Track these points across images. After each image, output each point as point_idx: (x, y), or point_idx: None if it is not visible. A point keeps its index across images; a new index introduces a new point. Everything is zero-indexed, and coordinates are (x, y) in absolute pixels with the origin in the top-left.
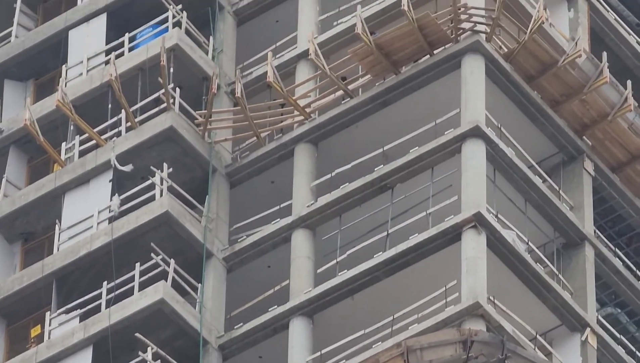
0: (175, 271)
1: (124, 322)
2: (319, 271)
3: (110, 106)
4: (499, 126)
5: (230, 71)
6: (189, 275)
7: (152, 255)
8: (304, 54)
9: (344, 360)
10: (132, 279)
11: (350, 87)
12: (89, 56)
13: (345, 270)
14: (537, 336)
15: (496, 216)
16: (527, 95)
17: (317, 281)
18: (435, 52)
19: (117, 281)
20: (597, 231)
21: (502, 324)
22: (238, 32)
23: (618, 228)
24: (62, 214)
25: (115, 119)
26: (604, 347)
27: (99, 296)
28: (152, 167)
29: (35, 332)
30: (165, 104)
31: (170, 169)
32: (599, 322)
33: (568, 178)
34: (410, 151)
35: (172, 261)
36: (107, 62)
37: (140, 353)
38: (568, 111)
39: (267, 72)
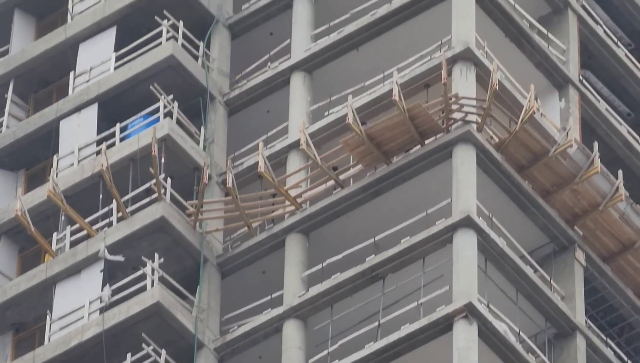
0: (167, 361)
1: None
2: (310, 361)
3: (101, 196)
4: (490, 216)
5: (222, 161)
6: None
7: (144, 345)
8: (295, 144)
9: None
10: None
11: (341, 177)
12: (80, 146)
13: (337, 361)
14: None
15: (487, 307)
16: (519, 185)
17: None
18: (426, 142)
19: None
20: (588, 321)
21: None
22: (229, 122)
23: (609, 318)
24: (53, 304)
25: (106, 209)
26: None
27: None
28: (143, 257)
29: None
30: (156, 195)
31: (162, 260)
32: None
33: (559, 268)
34: (402, 241)
35: (163, 351)
36: (98, 153)
37: None
38: (559, 201)
39: (258, 162)
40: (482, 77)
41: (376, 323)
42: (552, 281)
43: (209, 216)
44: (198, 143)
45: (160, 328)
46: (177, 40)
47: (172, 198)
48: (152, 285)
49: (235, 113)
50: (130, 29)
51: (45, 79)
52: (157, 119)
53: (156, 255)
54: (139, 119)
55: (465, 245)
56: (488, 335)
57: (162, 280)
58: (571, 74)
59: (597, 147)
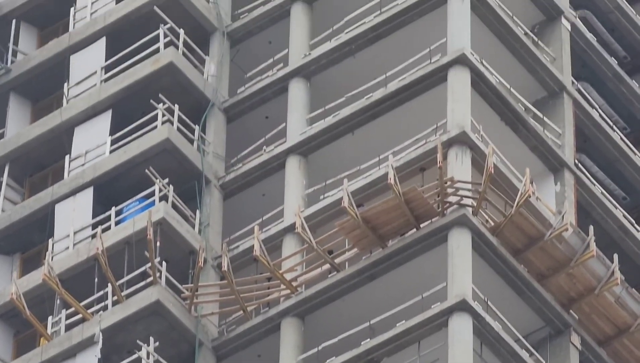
0: None
1: None
2: None
3: (96, 279)
4: (486, 299)
5: (217, 245)
6: None
7: None
8: (291, 228)
9: None
10: None
11: (337, 260)
12: (76, 229)
13: None
14: None
15: None
16: (514, 269)
17: None
18: (421, 225)
19: None
20: None
21: None
22: (224, 205)
23: None
24: None
25: (101, 293)
26: None
27: None
28: (138, 341)
29: None
30: (151, 278)
31: (157, 344)
32: None
33: (555, 351)
34: (397, 324)
35: None
36: (93, 236)
37: None
38: (555, 285)
39: (253, 246)
40: (478, 160)
41: None
42: None
43: (204, 299)
44: (193, 227)
45: None
46: (172, 123)
47: (168, 281)
48: None
49: (230, 197)
50: (126, 113)
51: (41, 163)
52: (153, 203)
53: (151, 339)
54: (135, 202)
55: (460, 329)
56: None
57: None
58: (567, 157)
59: (592, 231)
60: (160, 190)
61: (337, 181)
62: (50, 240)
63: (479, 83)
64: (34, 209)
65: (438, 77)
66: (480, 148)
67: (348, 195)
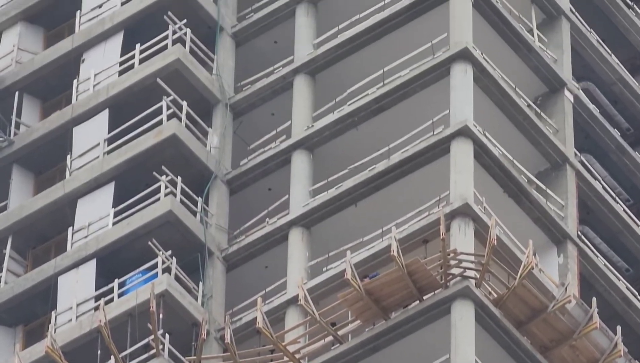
0: None
1: None
2: None
3: (99, 352)
4: None
5: (220, 317)
6: None
7: None
8: (294, 300)
9: None
10: None
11: (340, 332)
12: (79, 301)
13: None
14: None
15: None
16: (517, 341)
17: None
18: (424, 297)
19: None
20: None
21: None
22: (227, 277)
23: None
24: None
25: None
26: None
27: None
28: None
29: None
30: (154, 350)
31: None
32: None
33: None
34: None
35: None
36: (96, 308)
37: None
38: (558, 357)
39: (256, 318)
40: (481, 232)
41: None
42: None
43: None
44: (196, 299)
45: None
46: (175, 196)
47: (171, 353)
48: None
49: (233, 269)
50: (129, 185)
51: (44, 235)
52: (156, 275)
53: None
54: (137, 274)
55: None
56: None
57: None
58: (569, 229)
59: (595, 303)
60: (163, 262)
61: (340, 253)
62: (53, 312)
63: (482, 155)
64: (37, 281)
65: (441, 149)
66: (483, 220)
67: (351, 267)
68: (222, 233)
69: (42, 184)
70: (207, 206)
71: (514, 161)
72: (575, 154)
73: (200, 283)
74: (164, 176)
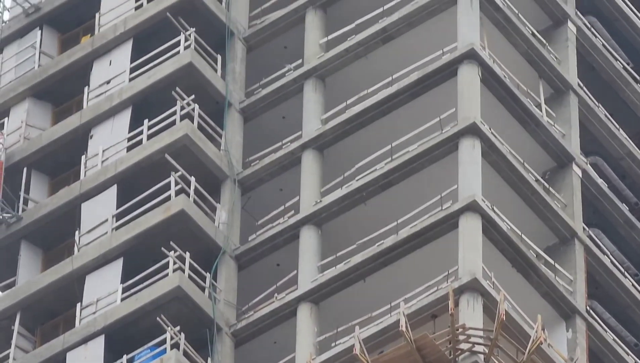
0: None
1: None
2: None
3: None
4: None
5: None
6: None
7: None
8: None
9: None
10: None
11: None
12: None
13: None
14: None
15: None
16: None
17: None
18: None
19: None
20: None
21: None
22: (236, 353)
23: None
24: None
25: None
26: None
27: None
28: None
29: None
30: None
31: None
32: None
33: None
34: None
35: None
36: None
37: None
38: None
39: None
40: (489, 307)
41: None
42: None
43: None
44: None
45: None
46: (183, 271)
47: None
48: None
49: (242, 344)
50: (137, 261)
51: (52, 311)
52: (164, 351)
53: None
54: (146, 350)
55: None
56: None
57: None
58: (578, 304)
59: None
60: (172, 338)
61: (349, 328)
62: None
63: (490, 230)
64: (45, 357)
65: (449, 224)
66: (492, 295)
67: (360, 342)
68: (231, 308)
69: (50, 260)
70: (216, 281)
71: (523, 235)
72: (584, 228)
73: (209, 359)
74: (173, 251)
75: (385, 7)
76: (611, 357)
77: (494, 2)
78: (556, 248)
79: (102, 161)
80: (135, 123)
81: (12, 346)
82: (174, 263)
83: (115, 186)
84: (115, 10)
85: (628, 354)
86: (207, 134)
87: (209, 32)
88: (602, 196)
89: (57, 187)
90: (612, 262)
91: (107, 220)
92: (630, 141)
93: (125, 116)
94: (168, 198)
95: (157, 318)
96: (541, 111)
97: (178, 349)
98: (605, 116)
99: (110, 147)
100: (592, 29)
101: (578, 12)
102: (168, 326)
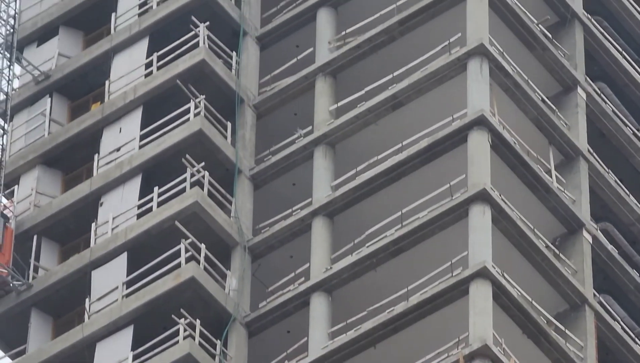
0: None
1: None
2: None
3: None
4: None
5: None
6: None
7: None
8: None
9: None
10: None
11: None
12: None
13: None
14: None
15: None
16: None
17: None
18: None
19: None
20: None
21: None
22: None
23: None
24: None
25: None
26: None
27: None
28: None
29: None
30: None
31: None
32: None
33: None
34: None
35: None
36: None
37: None
38: None
39: None
40: None
41: None
42: None
43: None
44: None
45: None
46: (194, 338)
47: None
48: None
49: None
50: (147, 328)
51: None
52: None
53: None
54: None
55: None
56: None
57: None
58: None
59: None
60: None
61: None
62: None
63: (501, 296)
64: None
65: (460, 290)
66: (503, 361)
67: None
68: None
69: (61, 327)
70: (226, 348)
71: (533, 302)
72: (594, 295)
73: None
74: (183, 319)
75: (395, 73)
76: None
77: (504, 69)
78: (567, 314)
79: (112, 229)
80: (145, 190)
81: None
82: (185, 330)
83: (126, 253)
84: (125, 78)
85: None
86: (217, 201)
87: (218, 99)
88: (612, 262)
89: (67, 254)
90: (622, 328)
91: (117, 287)
92: None
93: (135, 183)
94: (178, 265)
95: None
96: (551, 177)
97: None
98: (615, 181)
99: (120, 214)
100: (602, 95)
101: (587, 78)
102: None
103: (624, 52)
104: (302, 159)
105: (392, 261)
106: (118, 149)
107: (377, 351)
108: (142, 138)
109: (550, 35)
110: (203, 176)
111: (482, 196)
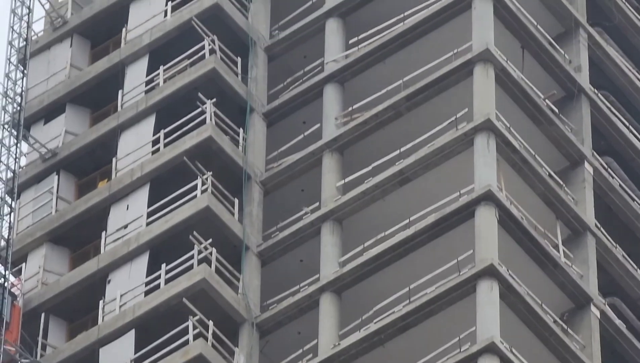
0: None
1: None
2: None
3: None
4: None
5: None
6: None
7: None
8: None
9: None
10: None
11: None
12: None
13: None
14: None
15: None
16: None
17: None
18: None
19: None
20: None
21: None
22: None
23: None
24: None
25: None
26: None
27: None
28: None
29: None
30: None
31: None
32: None
33: None
34: None
35: None
36: None
37: None
38: None
39: None
40: None
41: None
42: None
43: None
44: None
45: None
46: None
47: None
48: None
49: None
50: None
51: None
52: None
53: None
54: None
55: None
56: None
57: None
58: None
59: None
60: None
61: None
62: None
63: None
64: None
65: None
66: None
67: None
68: None
69: None
70: None
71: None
72: None
73: None
74: None
75: (402, 149)
76: None
77: (511, 144)
78: None
79: (120, 306)
80: (152, 267)
81: None
82: None
83: (133, 330)
84: (132, 155)
85: None
86: (224, 278)
87: (226, 176)
88: (620, 337)
89: (75, 332)
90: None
91: None
92: None
93: (143, 261)
94: (186, 342)
95: None
96: (559, 252)
97: None
98: (623, 256)
99: (128, 292)
100: (609, 170)
101: (594, 153)
102: None
103: (630, 127)
104: (309, 235)
105: (400, 337)
106: (125, 227)
107: None
108: (149, 215)
109: (557, 110)
110: (210, 253)
111: (490, 272)
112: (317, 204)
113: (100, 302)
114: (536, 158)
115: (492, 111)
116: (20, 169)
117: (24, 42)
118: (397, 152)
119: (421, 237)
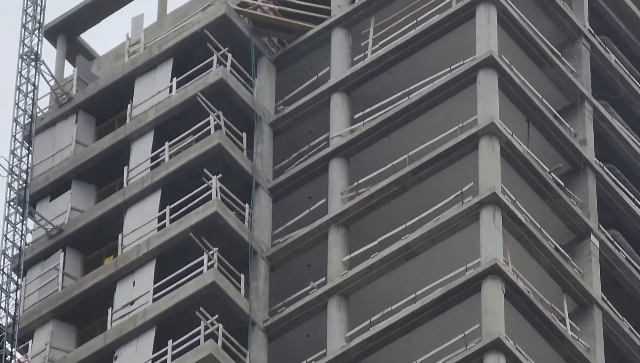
0: None
1: None
2: None
3: None
4: None
5: None
6: None
7: None
8: None
9: None
10: None
11: None
12: None
13: None
14: None
15: None
16: None
17: None
18: None
19: None
20: None
21: None
22: None
23: None
24: None
25: None
26: None
27: None
28: None
29: None
30: None
31: None
32: None
33: None
34: None
35: None
36: None
37: None
38: None
39: None
40: None
41: None
42: None
43: None
44: None
45: None
46: None
47: None
48: None
49: None
50: None
51: None
52: None
53: None
54: None
55: None
56: None
57: None
58: None
59: None
60: None
61: None
62: None
63: None
64: None
65: None
66: None
67: None
68: None
69: None
70: None
71: None
72: None
73: None
74: None
75: (408, 224)
76: None
77: (517, 218)
78: None
79: None
80: (159, 343)
81: None
82: None
83: None
84: (138, 231)
85: None
86: (231, 354)
87: (232, 251)
88: None
89: None
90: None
91: None
92: None
93: (150, 337)
94: None
95: None
96: (565, 325)
97: None
98: (630, 329)
99: None
100: (615, 243)
101: (600, 226)
102: None
103: (636, 200)
104: (316, 310)
105: None
106: (132, 303)
107: None
108: (155, 291)
109: (562, 183)
110: (217, 329)
111: (496, 346)
112: (324, 279)
113: None
114: (542, 231)
115: (498, 185)
116: (27, 246)
117: (29, 119)
118: (403, 226)
119: (428, 311)
